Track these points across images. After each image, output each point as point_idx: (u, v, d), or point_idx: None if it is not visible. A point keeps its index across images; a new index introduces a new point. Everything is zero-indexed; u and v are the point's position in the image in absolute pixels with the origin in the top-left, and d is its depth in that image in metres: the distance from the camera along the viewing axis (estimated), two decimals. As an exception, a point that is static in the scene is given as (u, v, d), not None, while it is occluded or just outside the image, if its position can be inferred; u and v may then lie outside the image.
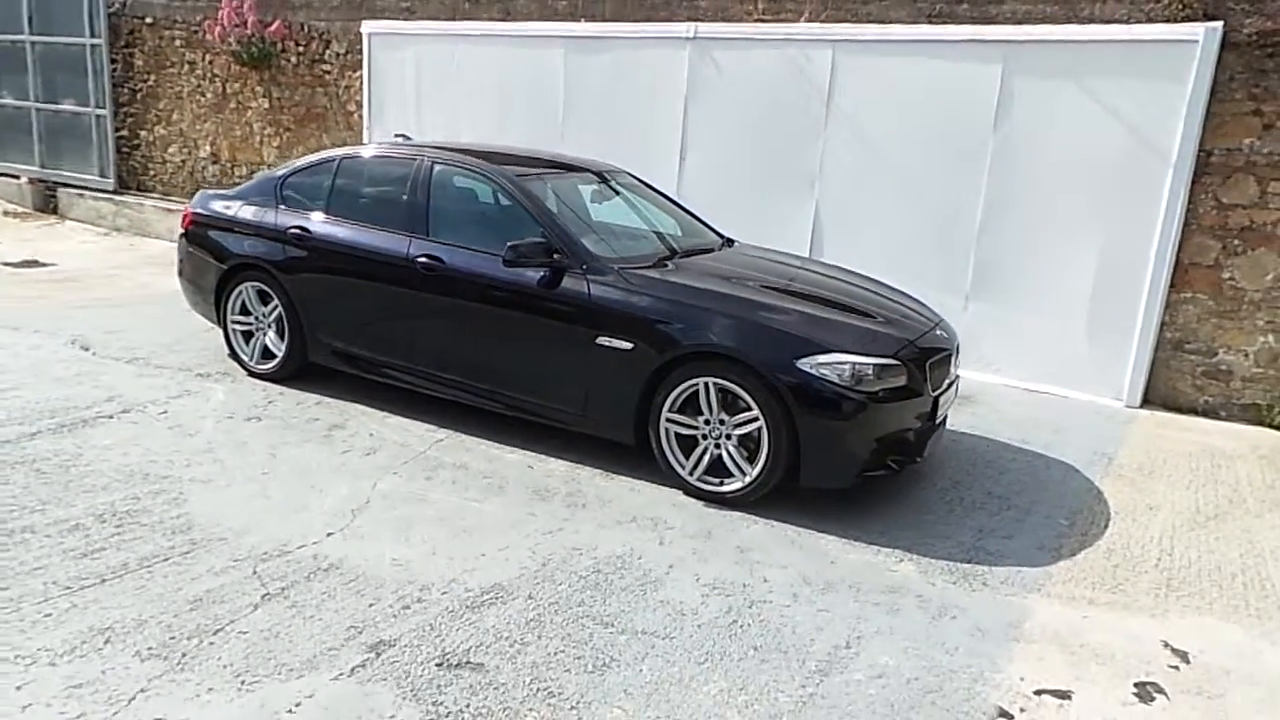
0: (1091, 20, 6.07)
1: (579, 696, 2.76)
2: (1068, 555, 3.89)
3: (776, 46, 7.00)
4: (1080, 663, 3.09)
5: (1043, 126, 6.17)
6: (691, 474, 4.20)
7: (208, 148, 10.77)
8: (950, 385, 4.45)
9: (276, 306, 5.36)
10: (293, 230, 5.23)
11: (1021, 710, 2.81)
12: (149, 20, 10.80)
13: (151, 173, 11.29)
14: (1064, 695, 2.90)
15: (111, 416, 4.78)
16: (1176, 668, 3.10)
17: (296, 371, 5.45)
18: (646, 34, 7.53)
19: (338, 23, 9.45)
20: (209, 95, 10.60)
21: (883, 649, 3.11)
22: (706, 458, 4.17)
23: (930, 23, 6.57)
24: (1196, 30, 5.64)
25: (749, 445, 4.09)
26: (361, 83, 9.33)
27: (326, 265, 5.13)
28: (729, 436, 4.10)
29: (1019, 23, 6.25)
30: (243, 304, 5.53)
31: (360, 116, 9.46)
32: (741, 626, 3.19)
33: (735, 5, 7.29)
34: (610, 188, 5.46)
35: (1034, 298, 6.37)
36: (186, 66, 10.70)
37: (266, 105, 10.16)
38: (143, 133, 11.21)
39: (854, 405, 3.87)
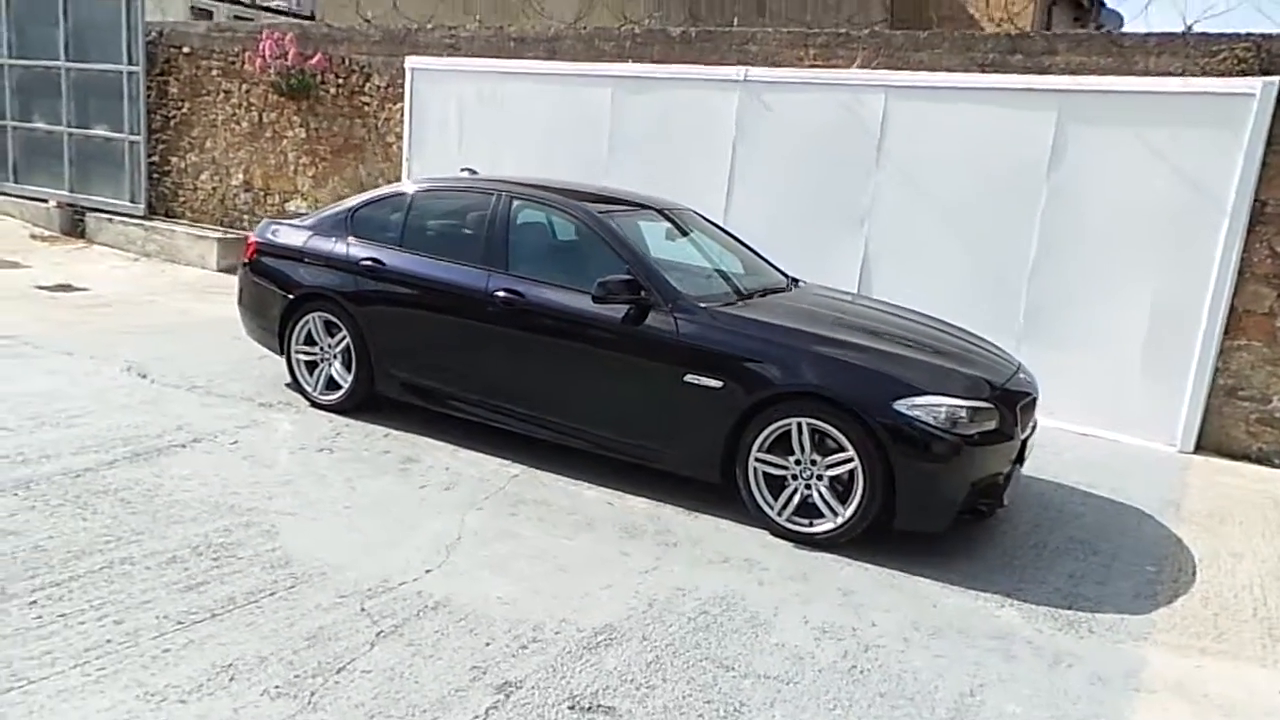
0: (1146, 73, 6.19)
1: (717, 742, 2.73)
2: (1165, 603, 3.88)
3: (828, 91, 7.11)
4: (1205, 714, 3.07)
5: (1097, 173, 6.27)
6: (780, 514, 4.19)
7: (240, 175, 10.80)
8: (1033, 429, 4.47)
9: (344, 337, 5.34)
10: (365, 262, 5.23)
11: (1161, 762, 2.80)
12: (186, 50, 10.87)
13: (181, 199, 11.30)
14: (1199, 747, 2.88)
15: (184, 446, 4.74)
16: (1301, 720, 3.09)
17: (361, 403, 5.42)
18: (696, 76, 7.63)
19: (379, 57, 9.54)
20: (244, 124, 10.65)
21: (1007, 698, 3.08)
22: (796, 498, 4.15)
23: (983, 72, 6.68)
24: (1254, 84, 5.76)
25: (837, 487, 4.09)
26: (402, 115, 9.40)
27: (400, 298, 5.13)
28: (819, 477, 4.10)
29: (1073, 74, 6.37)
30: (308, 334, 5.51)
31: (399, 148, 9.51)
32: (862, 672, 3.17)
33: (786, 50, 7.41)
34: (677, 226, 5.50)
35: (1087, 342, 6.42)
36: (222, 95, 10.76)
37: (303, 135, 10.21)
38: (174, 159, 11.23)
39: (950, 448, 3.88)
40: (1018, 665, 3.29)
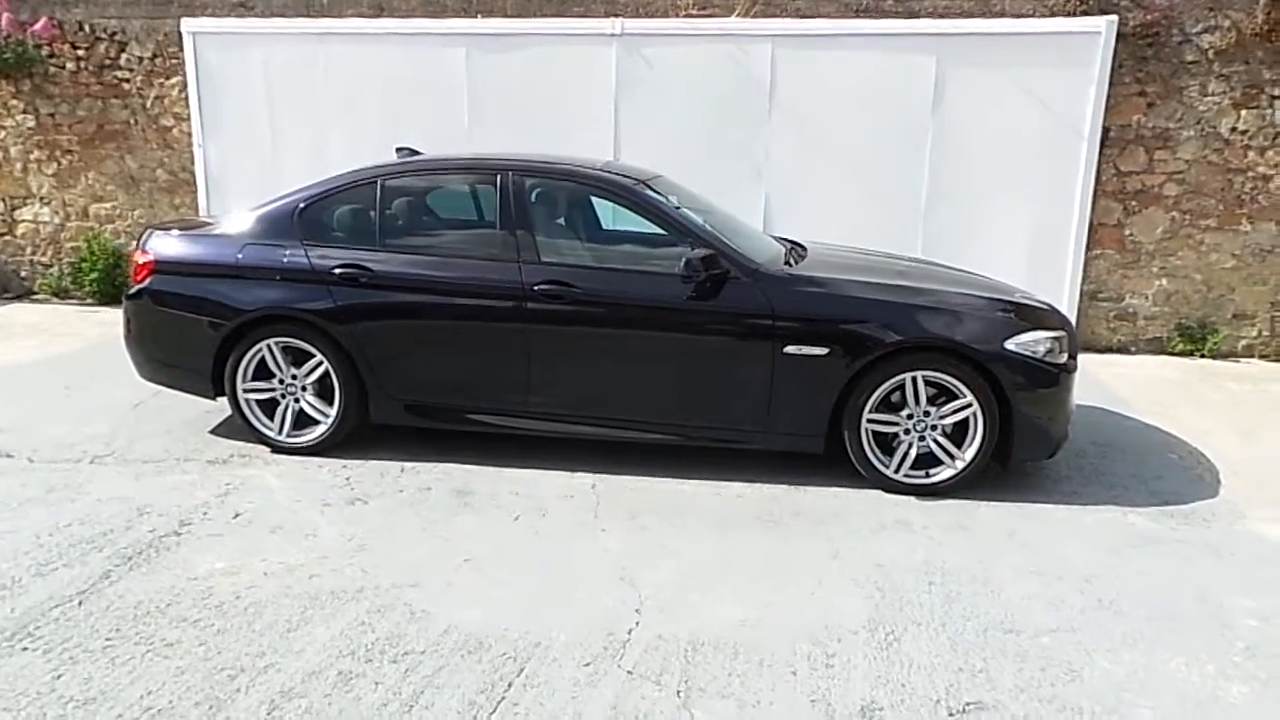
0: (1002, 14, 6.83)
1: (1095, 705, 2.69)
2: (1217, 484, 4.44)
3: (714, 42, 7.00)
4: (1358, 567, 3.59)
5: (976, 110, 6.83)
6: (897, 471, 4.18)
7: (-65, 181, 8.39)
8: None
9: (320, 364, 4.41)
10: (341, 269, 4.33)
11: (1386, 616, 3.22)
12: None
13: None
14: (1388, 596, 3.36)
15: (176, 534, 3.67)
16: (1407, 554, 3.71)
17: (345, 438, 4.53)
18: (566, 30, 7.14)
19: (137, 20, 7.81)
20: (-71, 114, 8.24)
21: (1226, 593, 3.36)
22: (913, 452, 4.16)
23: (858, 17, 6.96)
24: (1099, 23, 6.58)
25: (946, 433, 4.16)
26: (182, 92, 7.81)
27: (400, 308, 4.32)
28: (934, 427, 4.13)
29: (940, 16, 6.85)
30: (257, 367, 4.48)
31: (182, 132, 7.92)
32: (1111, 603, 3.28)
33: (659, 0, 7.17)
34: (665, 196, 5.12)
35: (979, 265, 6.98)
36: (-114, 78, 8.21)
37: (31, 123, 8.13)
38: None
39: (1057, 378, 4.11)
40: (1199, 563, 3.60)
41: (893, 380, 4.08)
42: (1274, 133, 6.68)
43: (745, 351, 4.14)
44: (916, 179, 7.01)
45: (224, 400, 4.61)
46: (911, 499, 4.17)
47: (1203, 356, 7.00)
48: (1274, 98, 6.64)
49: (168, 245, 4.57)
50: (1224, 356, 7.01)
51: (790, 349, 4.09)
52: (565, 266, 4.26)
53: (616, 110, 7.22)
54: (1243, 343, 7.05)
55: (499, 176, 4.38)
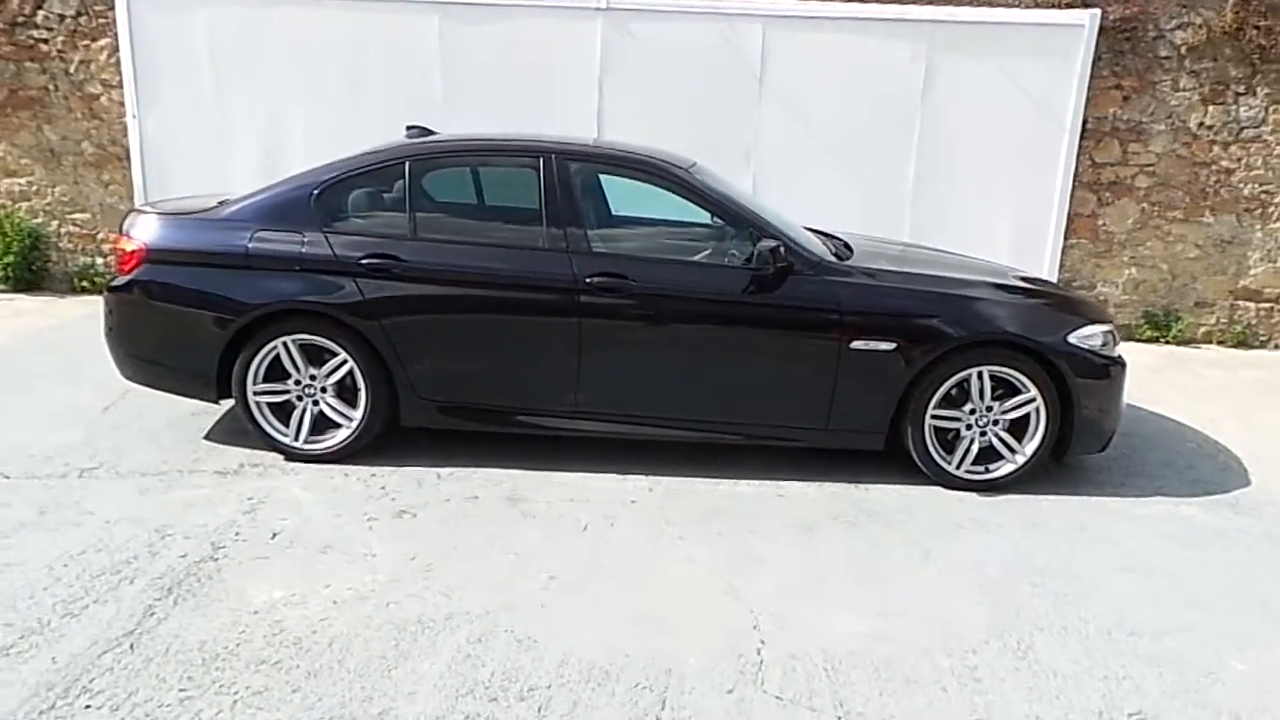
0: (990, 4, 6.86)
1: (1246, 707, 2.68)
2: (1243, 470, 4.57)
3: (702, 21, 6.78)
4: None
5: (964, 98, 6.85)
6: (958, 467, 4.12)
7: None
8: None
9: (344, 362, 4.01)
10: (369, 259, 3.93)
11: None
12: None
13: None
14: None
15: (214, 559, 3.26)
16: None
17: (370, 444, 4.16)
18: (547, 3, 6.79)
19: (57, -27, 7.00)
20: None
21: (1308, 584, 3.45)
22: (975, 447, 4.11)
23: (850, 1, 6.87)
24: (1083, 16, 6.69)
25: (1006, 427, 4.13)
26: (111, 56, 7.05)
27: (439, 301, 3.97)
28: (996, 421, 4.09)
29: (930, 3, 6.83)
30: (270, 368, 4.05)
31: (111, 100, 7.17)
32: (1208, 600, 3.30)
33: (645, -24, 6.89)
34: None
35: (963, 251, 7.10)
36: None
37: (-71, 86, 7.20)
38: None
39: (1112, 371, 4.12)
40: (1267, 554, 3.68)
41: (958, 375, 4.01)
42: (1238, 128, 6.97)
43: (810, 346, 3.99)
44: (904, 164, 7.00)
45: (207, 404, 4.19)
46: (973, 495, 4.12)
47: (1166, 343, 7.27)
48: (1239, 94, 6.92)
49: (159, 231, 4.06)
50: (1185, 343, 7.30)
51: (857, 344, 3.95)
52: (618, 257, 4.00)
53: (601, 89, 6.92)
54: (1202, 329, 7.37)
55: (542, 159, 4.06)
